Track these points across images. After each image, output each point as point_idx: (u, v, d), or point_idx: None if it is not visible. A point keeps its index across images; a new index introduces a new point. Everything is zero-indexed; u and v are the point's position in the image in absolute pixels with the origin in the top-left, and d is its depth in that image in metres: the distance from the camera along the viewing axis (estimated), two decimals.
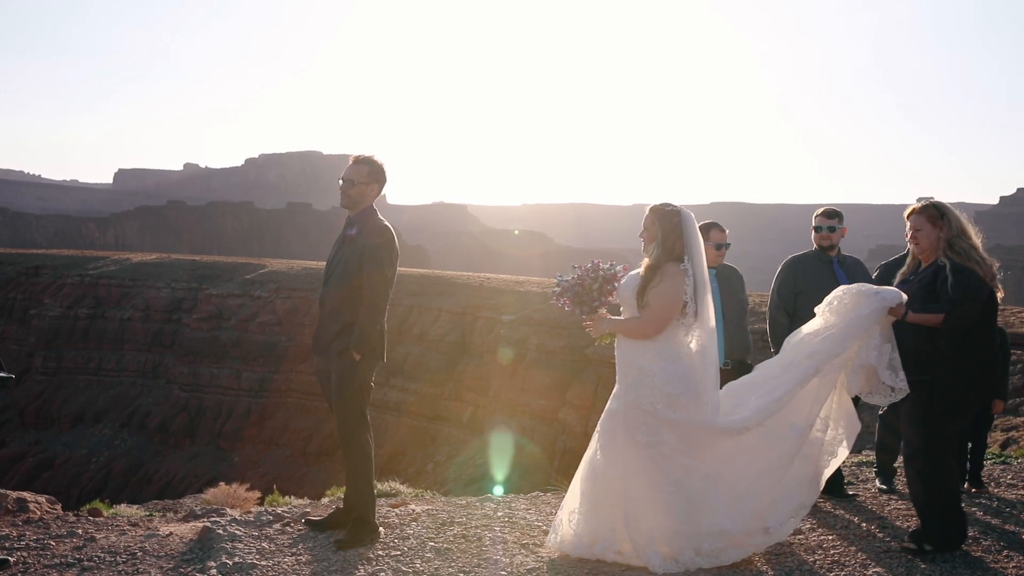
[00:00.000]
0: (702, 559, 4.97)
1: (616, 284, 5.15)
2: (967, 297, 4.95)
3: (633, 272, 5.25)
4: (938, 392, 5.04)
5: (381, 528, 5.62)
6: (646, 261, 5.21)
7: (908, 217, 5.28)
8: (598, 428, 5.31)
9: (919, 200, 5.32)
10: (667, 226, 5.15)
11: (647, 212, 5.26)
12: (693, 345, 5.15)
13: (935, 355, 5.04)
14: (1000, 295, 5.14)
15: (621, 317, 5.24)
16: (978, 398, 5.16)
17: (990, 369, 5.14)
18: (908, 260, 5.39)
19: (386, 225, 5.54)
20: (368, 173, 5.55)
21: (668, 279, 5.07)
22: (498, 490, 6.19)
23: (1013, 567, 5.00)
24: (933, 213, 5.16)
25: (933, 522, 5.15)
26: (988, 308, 5.07)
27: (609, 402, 5.28)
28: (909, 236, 5.28)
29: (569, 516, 5.27)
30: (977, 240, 5.14)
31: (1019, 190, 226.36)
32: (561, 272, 5.26)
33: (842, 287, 5.35)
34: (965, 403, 5.12)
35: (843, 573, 4.95)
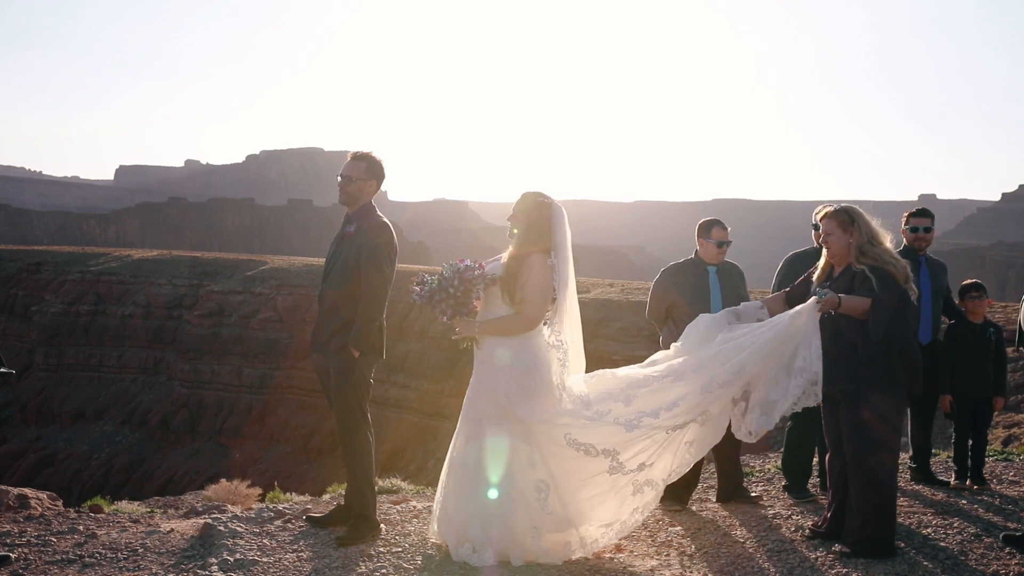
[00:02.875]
0: (522, 552, 5.00)
1: (483, 286, 5.04)
2: (890, 290, 5.00)
3: (492, 263, 5.17)
4: (867, 400, 5.04)
5: (382, 525, 5.63)
6: (510, 251, 5.16)
7: (820, 220, 5.28)
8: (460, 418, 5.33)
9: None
10: (535, 217, 5.12)
11: (519, 197, 5.21)
12: (552, 340, 5.14)
13: (857, 362, 5.04)
14: (914, 296, 5.16)
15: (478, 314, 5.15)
16: (901, 392, 5.14)
17: (911, 367, 5.13)
18: (821, 264, 5.38)
19: (385, 222, 5.51)
20: (366, 169, 5.52)
21: (537, 271, 5.03)
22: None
23: (1016, 564, 5.00)
24: (844, 219, 5.15)
25: (869, 527, 5.09)
26: (903, 308, 5.08)
27: (467, 392, 5.26)
28: (821, 240, 5.31)
29: (436, 509, 5.32)
30: (888, 244, 5.16)
31: (1021, 186, 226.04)
32: (427, 272, 5.17)
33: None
34: (895, 405, 5.13)
35: (845, 570, 4.94)
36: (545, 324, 5.15)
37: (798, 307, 5.10)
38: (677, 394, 5.14)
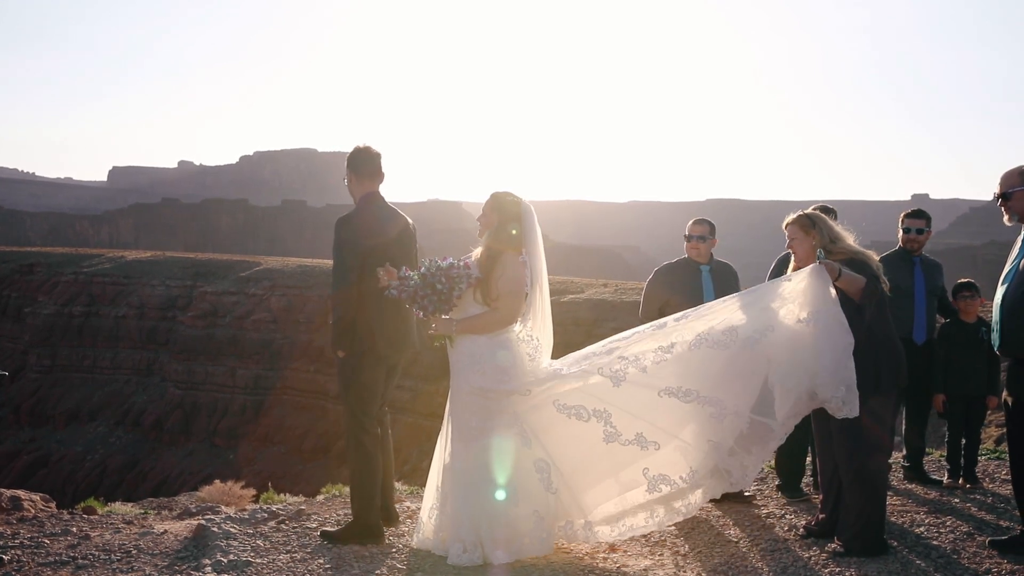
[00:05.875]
0: (509, 552, 4.97)
1: (466, 284, 5.04)
2: (873, 275, 5.13)
3: (465, 260, 5.17)
4: (861, 401, 5.03)
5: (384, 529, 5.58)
6: (480, 249, 5.16)
7: (785, 228, 5.45)
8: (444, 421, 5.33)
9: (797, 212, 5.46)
10: (507, 215, 5.14)
11: (489, 197, 5.23)
12: (523, 335, 5.17)
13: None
14: (886, 287, 5.25)
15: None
16: (888, 387, 5.18)
17: (895, 360, 5.19)
18: (791, 271, 5.46)
19: (348, 215, 5.43)
20: (347, 162, 5.55)
21: (510, 269, 5.07)
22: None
23: (1007, 563, 5.01)
24: (805, 223, 5.33)
25: (861, 526, 5.12)
26: (882, 300, 5.20)
27: (449, 394, 5.27)
28: (787, 246, 5.48)
29: (429, 513, 5.30)
30: (852, 242, 5.31)
31: None
32: (407, 267, 5.11)
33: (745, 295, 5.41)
34: (885, 403, 5.18)
35: (838, 569, 4.95)
36: (519, 321, 5.18)
37: (798, 271, 5.17)
38: (660, 342, 5.14)
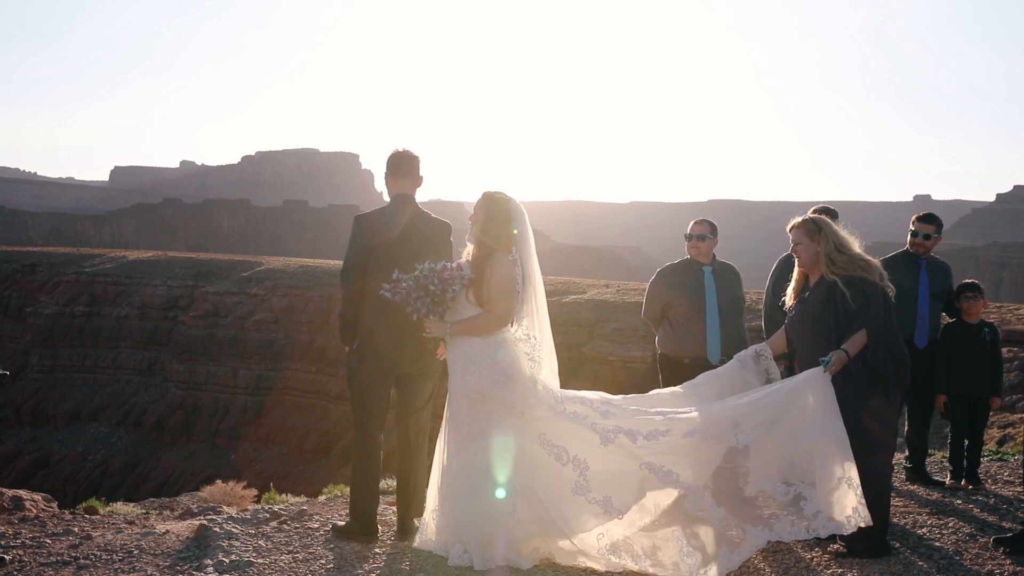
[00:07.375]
0: (507, 554, 4.94)
1: (459, 285, 5.01)
2: (871, 302, 5.08)
3: (458, 262, 5.15)
4: (862, 402, 5.04)
5: (379, 528, 5.60)
6: (471, 249, 5.14)
7: (790, 231, 5.42)
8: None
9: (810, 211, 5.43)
10: (495, 214, 5.11)
11: (480, 197, 5.20)
12: (519, 334, 5.14)
13: (848, 367, 5.03)
14: (892, 293, 5.23)
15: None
16: (894, 391, 5.17)
17: (899, 362, 5.16)
18: (795, 275, 5.47)
19: (361, 215, 5.49)
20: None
21: (500, 269, 5.03)
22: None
23: (1010, 564, 5.01)
24: (811, 227, 5.29)
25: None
26: (887, 310, 5.17)
27: (447, 395, 5.26)
28: (791, 250, 5.44)
29: (431, 515, 5.27)
30: (857, 248, 5.26)
31: (1016, 187, 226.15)
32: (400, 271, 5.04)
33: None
34: (887, 404, 5.16)
35: (840, 570, 4.95)
36: (512, 320, 5.15)
37: (802, 377, 5.05)
38: (657, 425, 5.05)
